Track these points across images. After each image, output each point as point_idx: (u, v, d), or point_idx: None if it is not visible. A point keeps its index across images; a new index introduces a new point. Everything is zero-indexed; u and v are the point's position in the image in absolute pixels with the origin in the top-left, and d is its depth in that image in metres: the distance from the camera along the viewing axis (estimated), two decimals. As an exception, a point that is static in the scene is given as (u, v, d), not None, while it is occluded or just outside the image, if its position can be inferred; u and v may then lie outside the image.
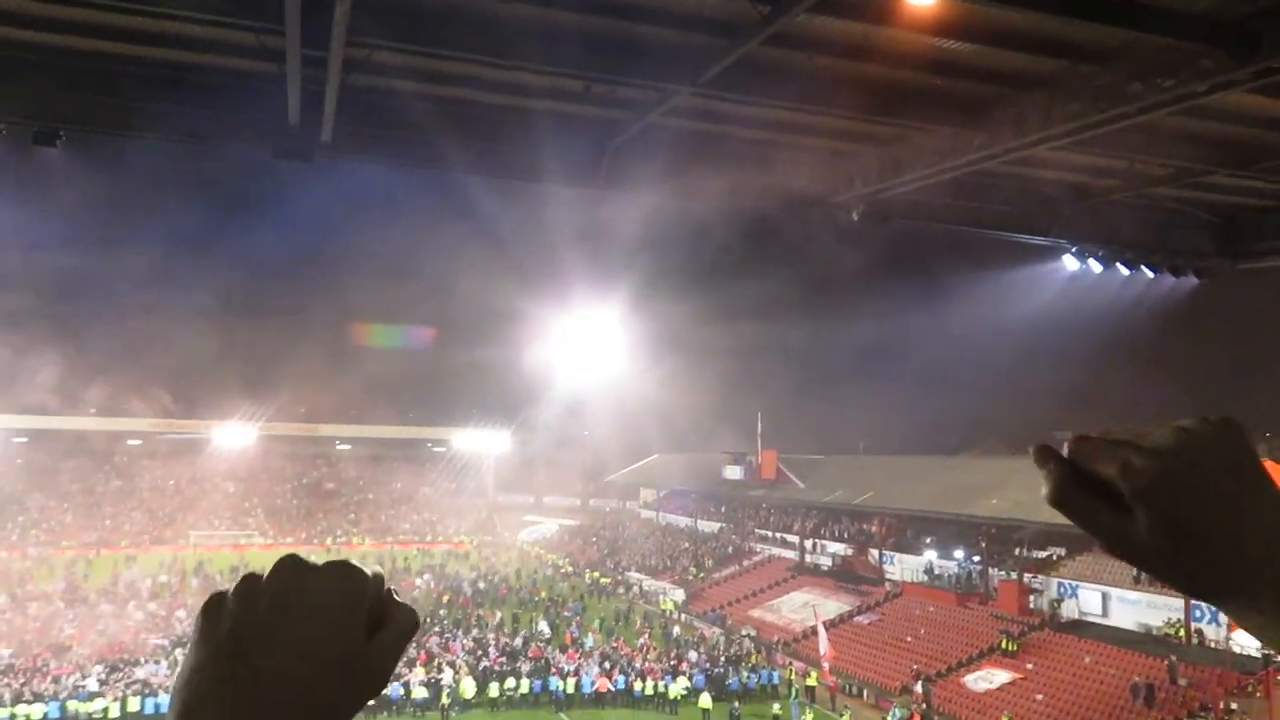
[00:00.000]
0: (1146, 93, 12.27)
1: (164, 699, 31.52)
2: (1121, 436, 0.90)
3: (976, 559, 45.40)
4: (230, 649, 0.83)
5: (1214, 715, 29.00)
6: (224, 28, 12.82)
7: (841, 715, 32.53)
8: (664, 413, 76.87)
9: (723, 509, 73.84)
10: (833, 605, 48.35)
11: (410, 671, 35.44)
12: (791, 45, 12.88)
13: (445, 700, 33.13)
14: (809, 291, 79.92)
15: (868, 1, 11.80)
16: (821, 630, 38.19)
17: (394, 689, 33.55)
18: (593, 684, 35.27)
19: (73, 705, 30.63)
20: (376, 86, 14.61)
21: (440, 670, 35.77)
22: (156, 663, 35.52)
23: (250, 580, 0.88)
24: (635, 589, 59.60)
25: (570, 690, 35.00)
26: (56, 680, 32.86)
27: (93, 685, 32.25)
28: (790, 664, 40.29)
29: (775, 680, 37.40)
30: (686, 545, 69.96)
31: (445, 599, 52.84)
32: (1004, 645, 37.26)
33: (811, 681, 36.62)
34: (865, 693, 37.30)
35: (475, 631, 43.67)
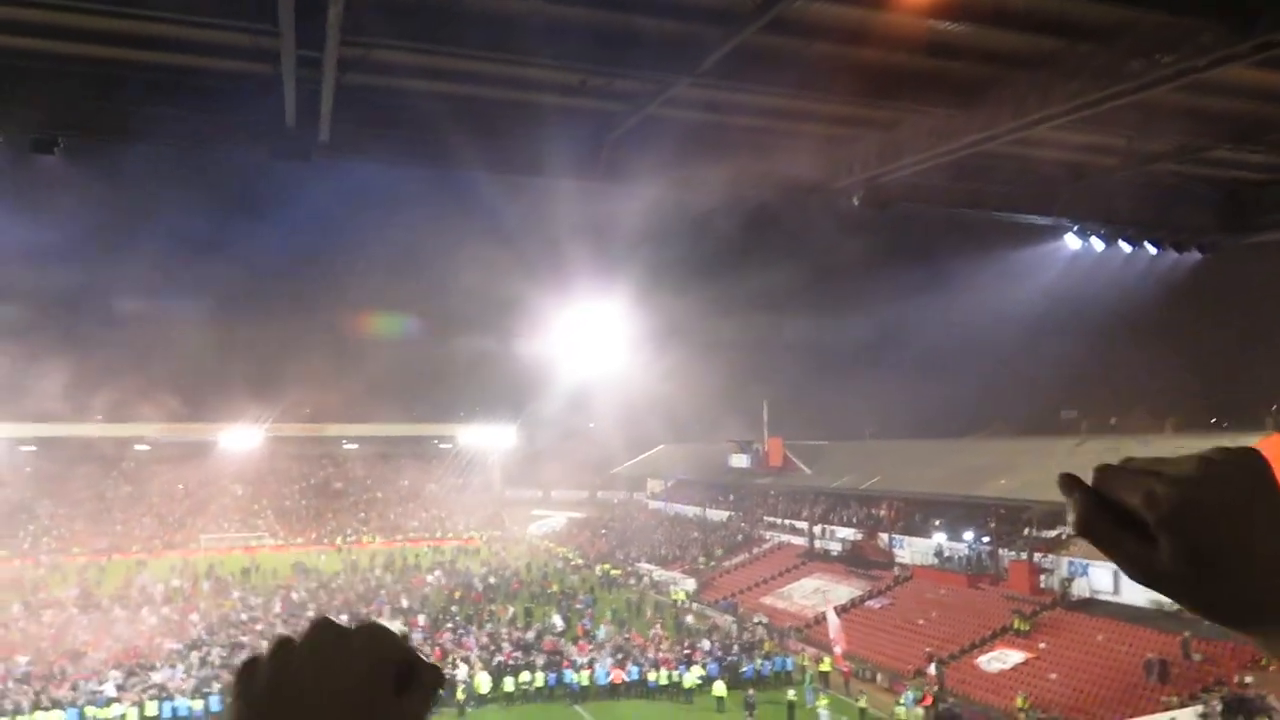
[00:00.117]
0: (1146, 70, 12.21)
1: (181, 703, 31.71)
2: (1145, 466, 0.91)
3: (986, 540, 45.40)
4: (264, 707, 0.88)
5: (1228, 689, 29.02)
6: (218, 30, 12.81)
7: (857, 700, 32.60)
8: (669, 403, 76.88)
9: (731, 498, 73.94)
10: (844, 590, 48.42)
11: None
12: (788, 32, 12.84)
13: (461, 695, 33.25)
14: (812, 279, 79.66)
15: (863, -15, 11.78)
16: (831, 619, 38.14)
17: (409, 686, 33.68)
18: (607, 675, 35.38)
19: (90, 711, 30.75)
20: (373, 85, 14.60)
21: (455, 666, 35.89)
22: (172, 667, 35.68)
23: (284, 642, 0.93)
24: (646, 580, 59.73)
25: (585, 682, 35.11)
26: (74, 686, 33.01)
27: (110, 691, 32.38)
28: (804, 650, 40.37)
29: (789, 667, 37.49)
30: (696, 535, 70.07)
31: (457, 595, 52.97)
32: (1016, 625, 37.31)
33: (825, 667, 36.69)
34: (879, 676, 37.37)
35: (489, 626, 43.78)
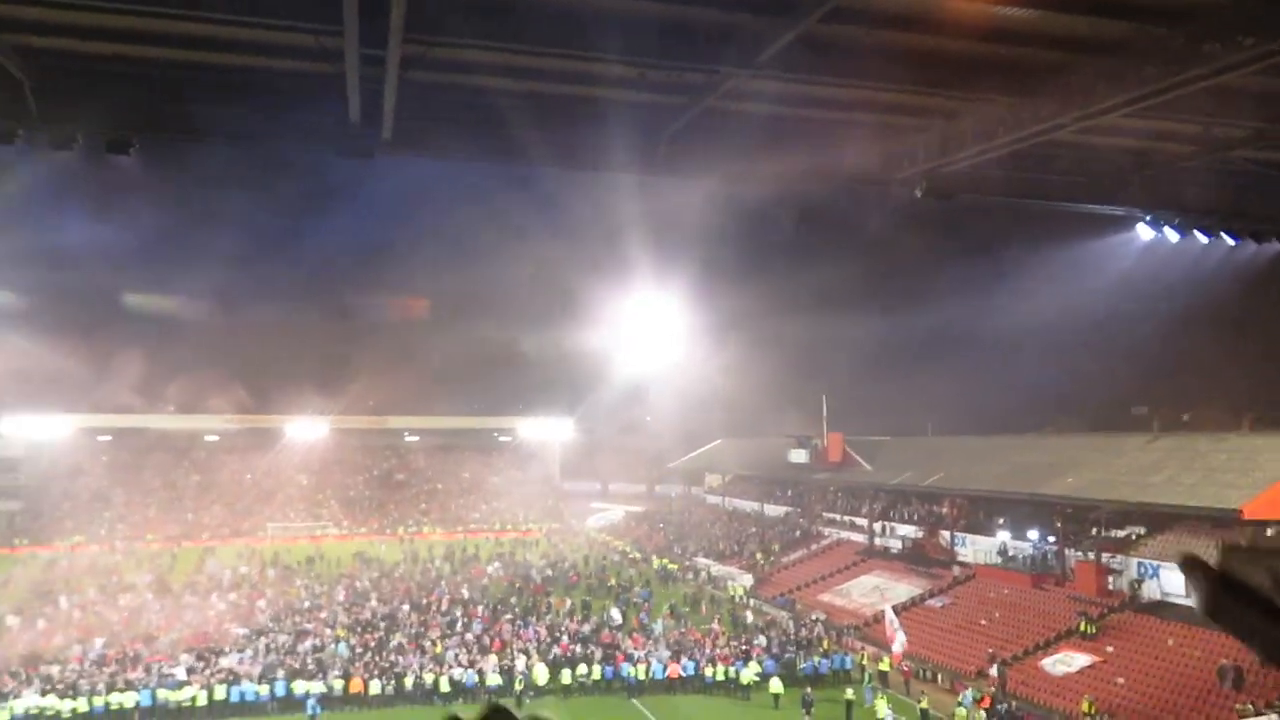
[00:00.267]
0: (1225, 52, 11.79)
1: (248, 687, 32.50)
2: (1272, 546, 0.88)
3: (1052, 539, 44.42)
4: None
5: (1307, 697, 27.99)
6: (284, 31, 13.07)
7: (919, 701, 32.14)
8: (728, 398, 76.70)
9: (789, 493, 73.45)
10: (903, 588, 47.80)
11: (484, 659, 36.00)
12: (848, 20, 12.68)
13: (518, 686, 33.58)
14: (873, 271, 78.79)
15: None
16: (890, 618, 37.54)
17: (469, 676, 34.12)
18: (664, 670, 35.42)
19: (162, 694, 31.68)
20: (434, 81, 14.77)
21: (513, 657, 36.25)
22: (240, 652, 36.60)
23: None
24: (703, 574, 59.64)
25: (641, 676, 35.19)
26: (147, 669, 34.06)
27: (181, 674, 33.34)
28: (863, 649, 39.96)
29: (848, 665, 37.12)
30: (753, 530, 69.75)
31: (516, 586, 53.49)
32: (1082, 628, 36.43)
33: (884, 666, 36.26)
34: (939, 677, 36.83)
35: (547, 618, 44.12)
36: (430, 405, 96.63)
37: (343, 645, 37.58)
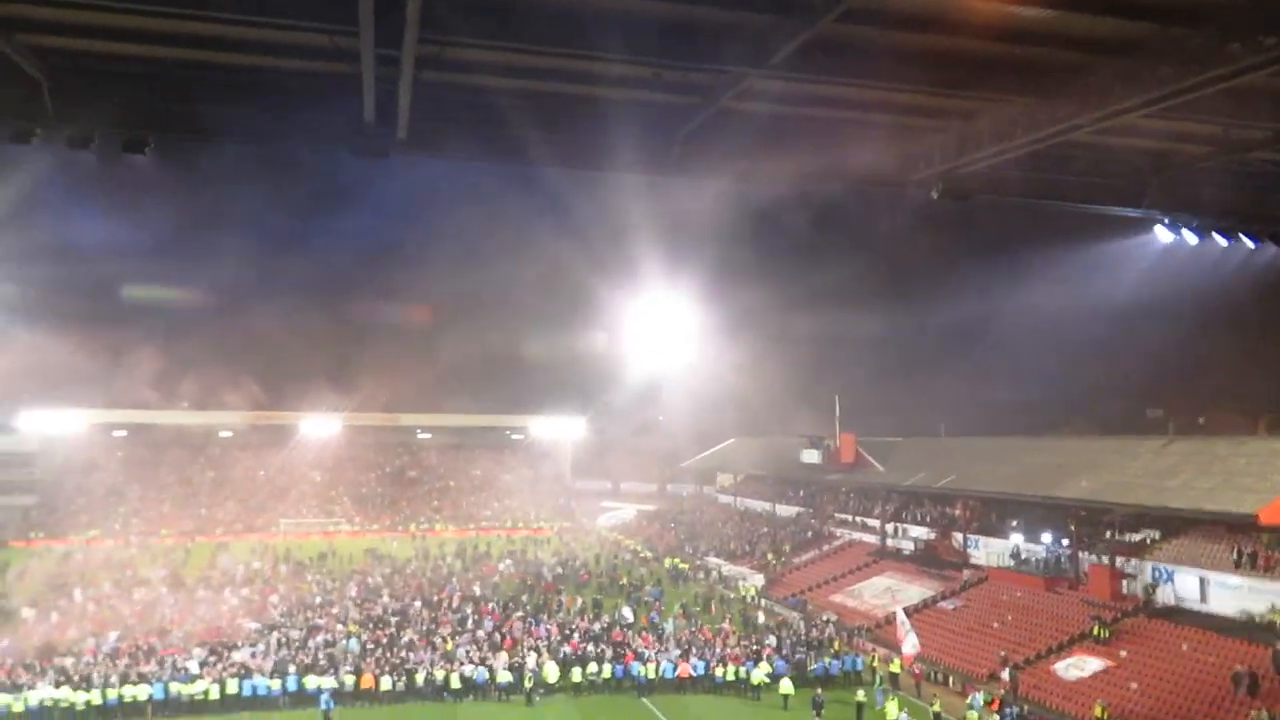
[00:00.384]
0: (1246, 53, 11.65)
1: (260, 681, 32.64)
2: None
3: (1065, 542, 44.16)
4: None
5: (1323, 704, 27.73)
6: (298, 31, 13.08)
7: (931, 704, 31.98)
8: (740, 398, 76.59)
9: (801, 493, 73.31)
10: (915, 590, 47.64)
11: (495, 656, 36.05)
12: (863, 20, 12.60)
13: (529, 684, 33.61)
14: (887, 272, 78.59)
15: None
16: (902, 622, 37.27)
17: (479, 673, 34.17)
18: (674, 669, 35.39)
19: (175, 687, 31.85)
20: (449, 82, 14.76)
21: (524, 655, 36.28)
22: (253, 646, 36.78)
23: None
24: (714, 574, 59.59)
25: (651, 675, 35.16)
26: (160, 663, 34.25)
27: (193, 668, 33.52)
28: (874, 650, 39.83)
29: (859, 667, 37.01)
30: (765, 530, 69.66)
31: (528, 584, 53.55)
32: (1095, 632, 36.20)
33: (895, 668, 36.13)
34: (951, 679, 36.68)
35: (558, 616, 44.16)
36: (443, 403, 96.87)
37: (354, 641, 37.71)
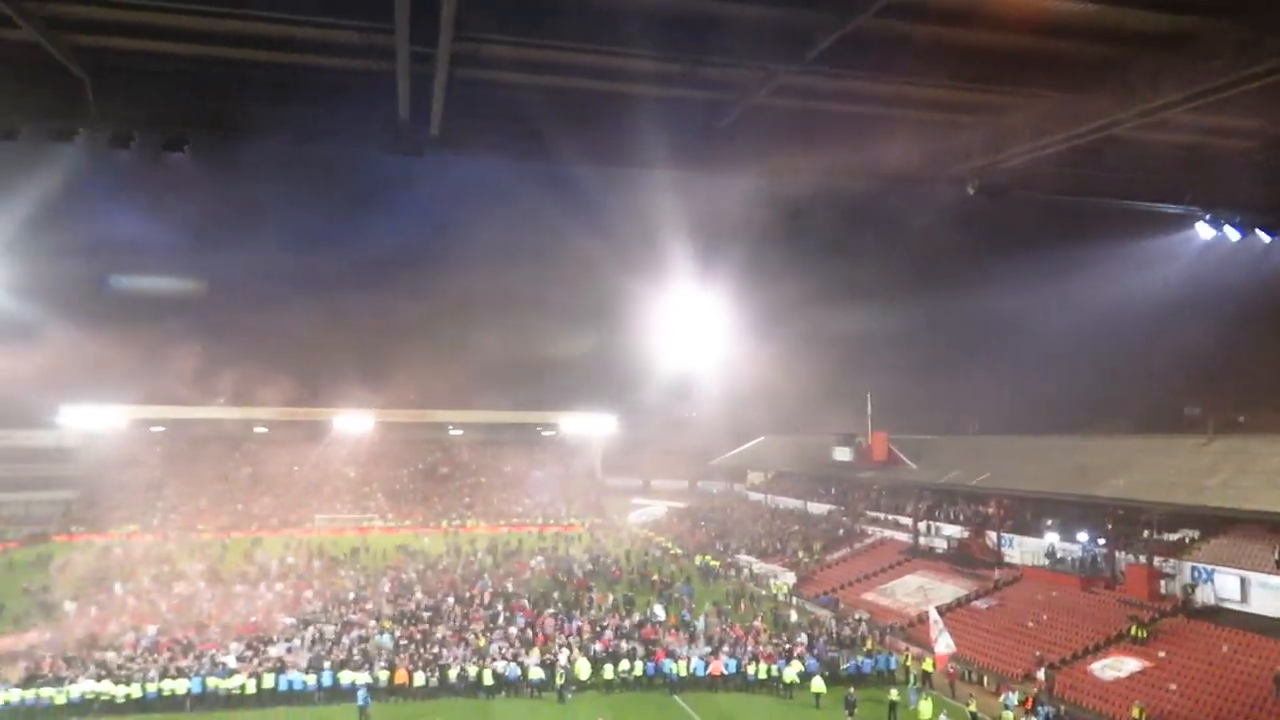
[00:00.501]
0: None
1: (295, 676, 32.99)
2: None
3: (1101, 542, 43.61)
4: None
5: (1369, 708, 27.18)
6: (333, 29, 13.18)
7: (967, 704, 31.67)
8: (771, 395, 76.25)
9: (832, 491, 72.96)
10: (948, 589, 47.26)
11: (527, 653, 36.19)
12: (900, 15, 12.47)
13: (560, 681, 33.71)
14: (920, 269, 77.71)
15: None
16: (934, 621, 36.88)
17: (511, 670, 34.32)
18: (706, 667, 35.35)
19: (212, 681, 32.29)
20: (482, 79, 14.80)
21: (556, 652, 36.39)
22: (288, 641, 37.19)
23: None
24: (745, 572, 59.46)
25: (683, 673, 35.15)
26: (198, 657, 34.73)
27: (231, 662, 33.96)
28: (907, 649, 39.56)
29: (892, 665, 36.77)
30: (796, 528, 69.40)
31: (560, 580, 53.69)
32: (1133, 632, 35.73)
33: (927, 666, 35.85)
34: (985, 679, 36.34)
35: (590, 613, 44.24)
36: (474, 399, 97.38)
37: (387, 636, 38.01)
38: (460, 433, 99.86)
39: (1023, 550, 48.44)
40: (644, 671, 35.32)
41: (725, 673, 35.31)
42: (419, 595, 47.68)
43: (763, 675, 35.07)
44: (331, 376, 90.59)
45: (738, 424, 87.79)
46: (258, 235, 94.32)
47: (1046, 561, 46.04)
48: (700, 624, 42.11)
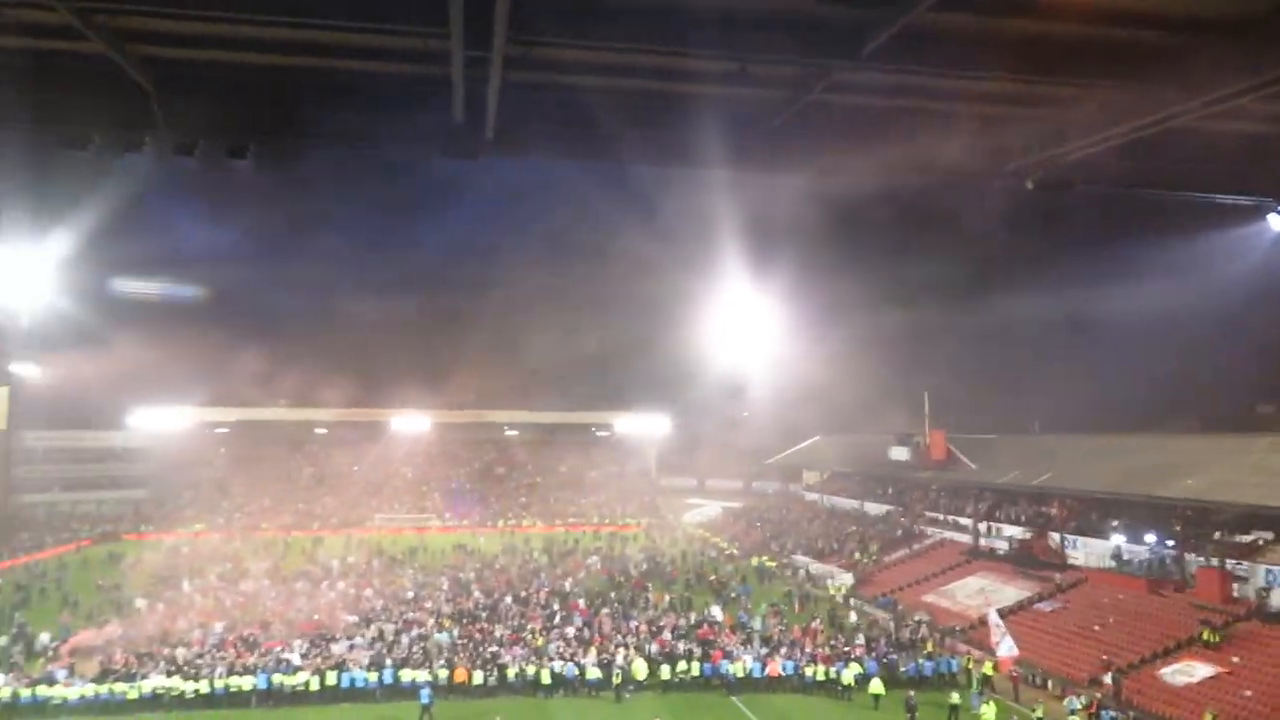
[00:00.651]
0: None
1: (358, 673, 33.56)
2: None
3: (1170, 544, 42.44)
4: None
5: None
6: (392, 35, 13.36)
7: (1033, 710, 30.98)
8: (826, 394, 75.60)
9: (890, 491, 72.11)
10: (1011, 591, 46.40)
11: (584, 653, 36.35)
12: (956, 7, 12.26)
13: (617, 680, 33.79)
14: (978, 266, 76.53)
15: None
16: (995, 624, 36.15)
17: (569, 669, 34.50)
18: (763, 668, 35.18)
19: (277, 678, 33.00)
20: (535, 82, 14.89)
21: (613, 651, 36.49)
22: (350, 639, 37.84)
23: None
24: (802, 573, 59.04)
25: (740, 674, 35.02)
26: (263, 654, 35.51)
27: (295, 659, 34.66)
28: (968, 652, 38.93)
29: (954, 668, 36.21)
30: (853, 528, 68.73)
31: (616, 580, 53.84)
32: (1205, 636, 34.74)
33: (988, 670, 35.21)
34: (1050, 683, 35.61)
35: (648, 613, 44.29)
36: (530, 400, 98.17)
37: (446, 635, 38.45)
38: (516, 433, 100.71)
39: (1087, 552, 47.39)
40: (701, 672, 35.28)
41: (782, 674, 35.10)
42: (476, 594, 48.18)
43: (821, 677, 34.80)
44: (389, 378, 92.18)
45: (792, 423, 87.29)
46: (318, 239, 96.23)
47: (1112, 563, 44.98)
48: (757, 625, 41.90)
